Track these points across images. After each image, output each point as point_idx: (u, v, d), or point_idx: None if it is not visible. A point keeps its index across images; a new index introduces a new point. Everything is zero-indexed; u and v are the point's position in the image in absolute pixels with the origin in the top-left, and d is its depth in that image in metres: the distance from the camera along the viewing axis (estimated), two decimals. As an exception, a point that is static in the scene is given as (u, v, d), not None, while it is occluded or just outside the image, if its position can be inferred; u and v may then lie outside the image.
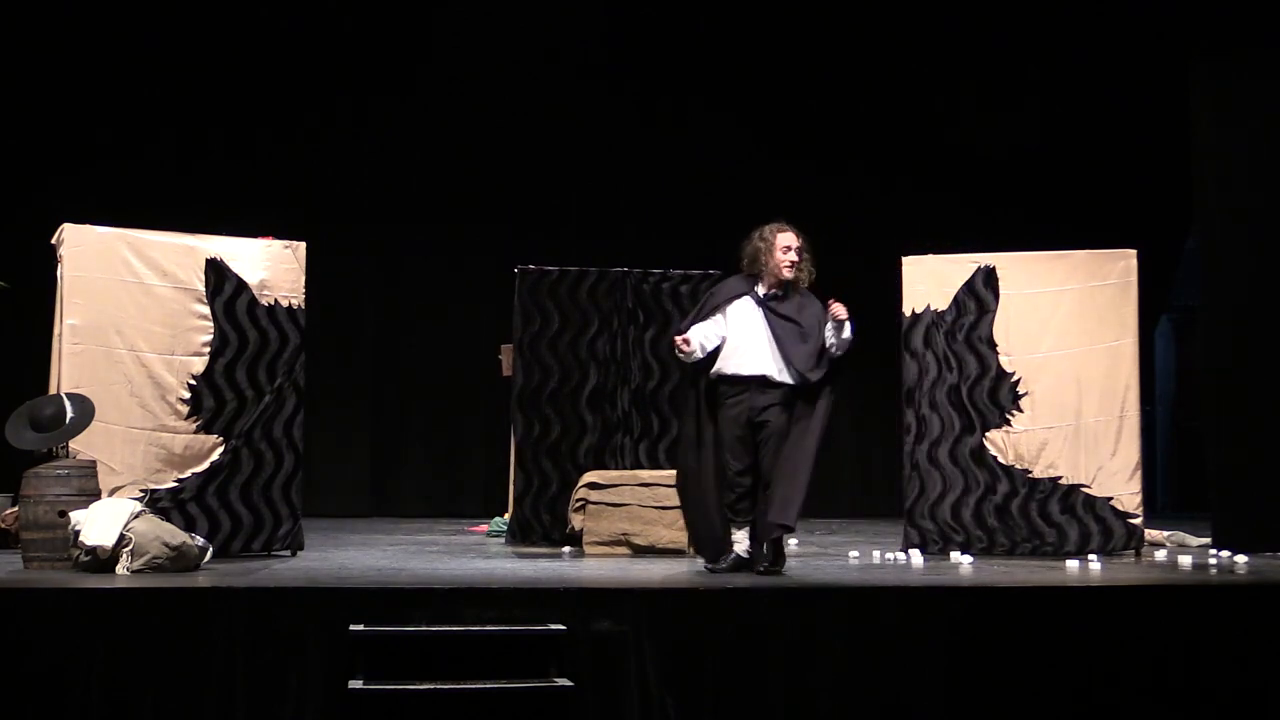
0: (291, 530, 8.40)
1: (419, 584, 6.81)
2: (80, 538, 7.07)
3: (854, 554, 8.69)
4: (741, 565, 7.42)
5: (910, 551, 8.54)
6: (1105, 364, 8.86)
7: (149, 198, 10.77)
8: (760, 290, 7.57)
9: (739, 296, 7.58)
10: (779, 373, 7.42)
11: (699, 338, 7.52)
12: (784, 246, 7.50)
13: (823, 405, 7.43)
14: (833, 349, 7.45)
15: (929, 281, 9.04)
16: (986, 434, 8.89)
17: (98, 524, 7.07)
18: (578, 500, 8.84)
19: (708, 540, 7.62)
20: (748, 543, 7.43)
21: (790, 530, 7.42)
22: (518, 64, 12.86)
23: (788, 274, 7.51)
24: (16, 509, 7.72)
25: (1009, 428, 8.88)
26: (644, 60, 13.03)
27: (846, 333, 7.42)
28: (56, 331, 7.92)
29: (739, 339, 7.49)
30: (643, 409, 9.78)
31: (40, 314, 8.27)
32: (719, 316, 7.56)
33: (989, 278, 8.99)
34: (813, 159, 13.32)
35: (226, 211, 10.62)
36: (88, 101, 12.06)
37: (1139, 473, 8.81)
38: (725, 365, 7.51)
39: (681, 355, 7.51)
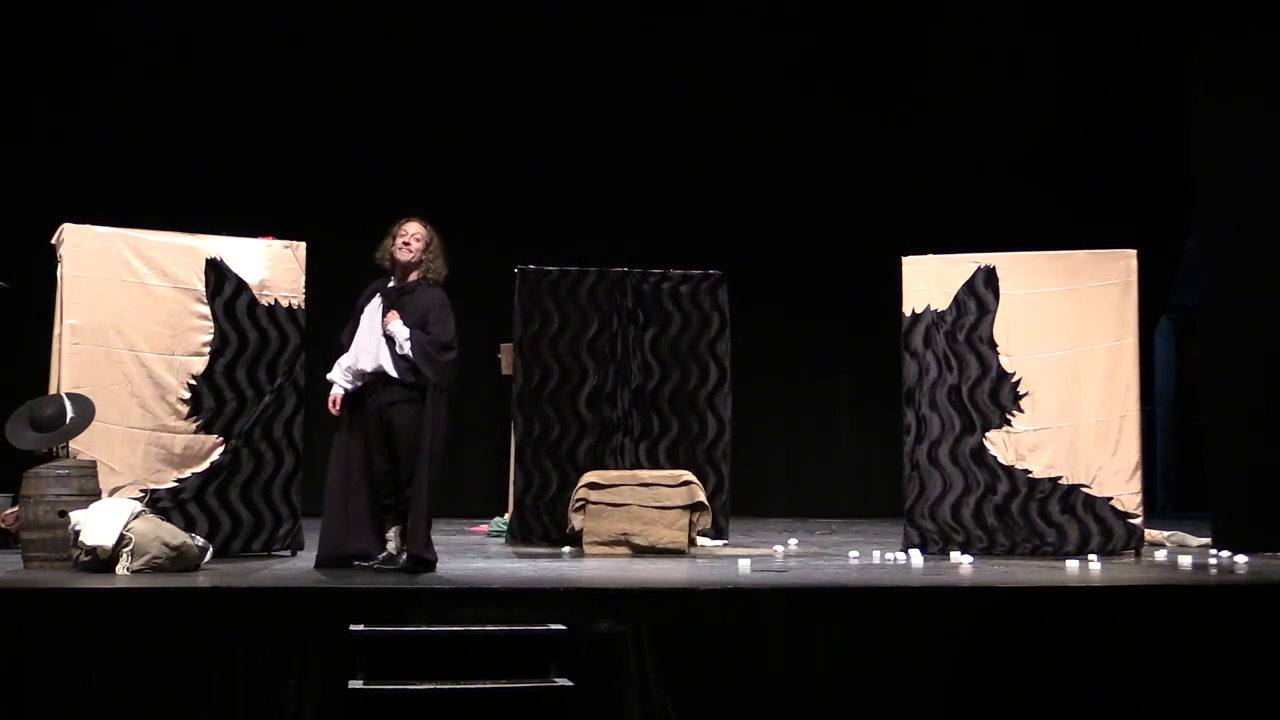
0: (291, 530, 8.40)
1: (419, 584, 6.81)
2: (80, 538, 7.07)
3: (854, 554, 8.68)
4: (391, 562, 7.43)
5: (910, 551, 8.54)
6: (1105, 364, 8.86)
7: (149, 197, 10.76)
8: (390, 284, 7.63)
9: (373, 295, 7.67)
10: (392, 367, 7.44)
11: (341, 378, 7.55)
12: (401, 233, 7.57)
13: (432, 407, 7.31)
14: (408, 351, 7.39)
15: (929, 281, 9.04)
16: (987, 434, 8.89)
17: (98, 524, 7.06)
18: (578, 500, 8.84)
19: (326, 542, 7.51)
20: (399, 540, 7.46)
21: (420, 557, 7.22)
22: (517, 63, 12.85)
23: (400, 255, 7.54)
24: (16, 509, 7.72)
25: (1009, 428, 8.88)
26: (644, 59, 13.02)
27: (398, 349, 7.36)
28: (56, 331, 7.92)
29: (363, 335, 7.55)
30: (643, 409, 9.77)
31: (40, 314, 8.26)
32: (354, 326, 7.63)
33: (989, 278, 8.99)
34: (812, 159, 13.32)
35: (226, 211, 10.62)
36: (87, 101, 12.06)
37: (1139, 473, 8.82)
38: (356, 361, 7.56)
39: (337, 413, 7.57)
